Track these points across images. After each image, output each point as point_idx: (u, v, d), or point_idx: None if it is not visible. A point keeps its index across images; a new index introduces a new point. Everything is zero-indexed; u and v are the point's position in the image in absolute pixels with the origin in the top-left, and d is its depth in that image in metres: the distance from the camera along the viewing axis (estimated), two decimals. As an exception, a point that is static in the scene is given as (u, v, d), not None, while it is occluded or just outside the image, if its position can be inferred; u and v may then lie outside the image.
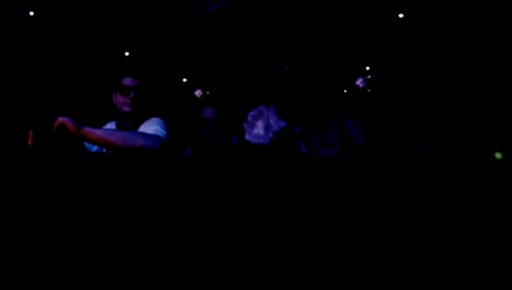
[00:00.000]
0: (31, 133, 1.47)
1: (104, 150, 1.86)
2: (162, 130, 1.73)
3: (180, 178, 0.83)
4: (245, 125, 1.69)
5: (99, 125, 2.08)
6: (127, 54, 6.94)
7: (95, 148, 1.88)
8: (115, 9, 5.69)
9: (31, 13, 5.60)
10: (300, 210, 0.76)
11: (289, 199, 0.77)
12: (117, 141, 1.48)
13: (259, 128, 1.64)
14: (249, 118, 1.70)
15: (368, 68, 7.20)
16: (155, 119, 1.86)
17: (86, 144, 1.79)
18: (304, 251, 0.74)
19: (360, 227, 0.76)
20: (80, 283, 0.77)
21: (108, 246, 0.79)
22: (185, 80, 8.13)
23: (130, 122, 1.91)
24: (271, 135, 1.62)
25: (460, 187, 0.79)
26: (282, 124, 1.67)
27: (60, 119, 1.45)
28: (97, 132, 1.49)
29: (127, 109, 1.89)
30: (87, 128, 1.48)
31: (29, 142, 1.47)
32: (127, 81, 1.92)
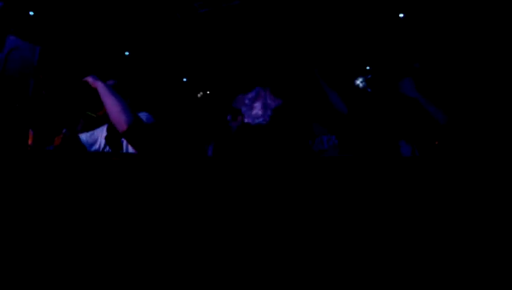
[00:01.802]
0: (31, 133, 1.48)
1: (101, 149, 1.87)
2: (145, 116, 1.84)
3: (179, 178, 0.82)
4: (243, 108, 1.70)
5: (93, 128, 2.10)
6: (127, 53, 6.93)
7: (93, 147, 1.89)
8: (113, 10, 5.68)
9: (31, 13, 5.60)
10: (299, 209, 0.76)
11: (288, 198, 0.77)
12: (108, 102, 1.65)
13: (257, 109, 1.65)
14: (247, 101, 1.71)
15: (368, 68, 7.19)
16: (141, 114, 1.95)
17: (84, 144, 1.80)
18: (303, 252, 0.74)
19: (359, 227, 0.75)
20: (79, 282, 0.77)
21: (108, 245, 0.79)
22: (185, 79, 8.12)
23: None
24: (269, 112, 1.64)
25: (460, 187, 0.78)
26: (279, 101, 1.69)
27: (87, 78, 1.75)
28: (102, 88, 1.69)
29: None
30: (101, 84, 1.70)
31: (29, 142, 1.47)
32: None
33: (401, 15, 5.63)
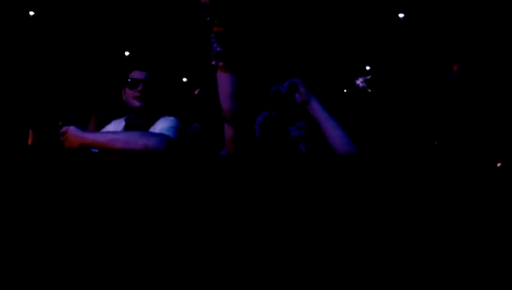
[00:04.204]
0: (31, 133, 1.47)
1: None
2: (172, 128, 1.67)
3: (180, 178, 0.83)
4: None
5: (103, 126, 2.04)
6: (127, 53, 6.93)
7: None
8: (118, 7, 5.69)
9: (31, 13, 5.60)
10: (300, 211, 0.76)
11: (289, 199, 0.77)
12: (120, 144, 1.49)
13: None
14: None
15: (368, 68, 7.19)
16: (168, 118, 1.80)
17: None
18: (304, 253, 0.74)
19: (360, 228, 0.76)
20: (79, 283, 0.77)
21: (108, 247, 0.79)
22: (185, 79, 8.13)
23: (141, 118, 1.83)
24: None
25: (460, 188, 0.79)
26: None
27: (65, 129, 1.48)
28: (100, 140, 1.50)
29: (136, 103, 1.81)
30: (90, 137, 1.50)
31: (29, 142, 1.47)
32: (135, 74, 1.85)
33: (401, 15, 5.63)
